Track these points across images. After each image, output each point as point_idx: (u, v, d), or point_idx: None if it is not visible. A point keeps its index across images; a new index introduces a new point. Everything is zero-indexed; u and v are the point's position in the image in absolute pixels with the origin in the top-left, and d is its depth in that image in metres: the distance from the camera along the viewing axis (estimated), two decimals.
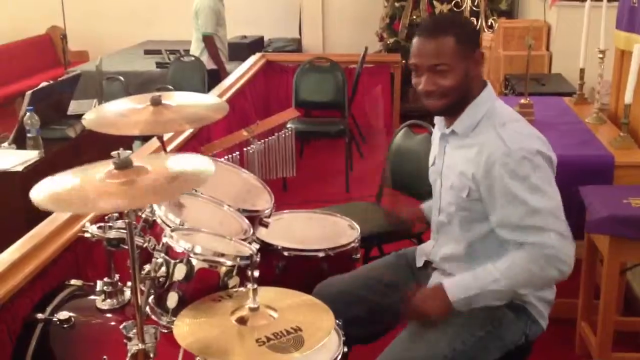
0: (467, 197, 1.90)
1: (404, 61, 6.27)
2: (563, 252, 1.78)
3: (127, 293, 2.02)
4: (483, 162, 1.84)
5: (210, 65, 5.80)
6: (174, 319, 1.67)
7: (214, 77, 5.69)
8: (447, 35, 1.84)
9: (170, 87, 5.10)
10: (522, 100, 3.42)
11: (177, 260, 1.78)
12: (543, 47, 5.23)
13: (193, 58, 5.83)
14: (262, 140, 3.92)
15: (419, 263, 2.15)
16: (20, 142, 3.54)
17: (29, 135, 3.47)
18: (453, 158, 1.98)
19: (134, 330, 1.63)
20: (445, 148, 2.02)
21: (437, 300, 1.85)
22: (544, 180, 1.81)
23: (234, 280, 1.79)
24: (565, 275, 1.81)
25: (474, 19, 4.63)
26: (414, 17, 6.61)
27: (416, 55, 1.89)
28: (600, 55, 3.33)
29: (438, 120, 2.05)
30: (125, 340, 1.64)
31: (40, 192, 1.44)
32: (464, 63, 1.86)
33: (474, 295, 1.83)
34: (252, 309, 1.59)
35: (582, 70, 3.60)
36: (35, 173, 3.19)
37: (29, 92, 3.62)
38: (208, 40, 5.73)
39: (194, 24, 5.83)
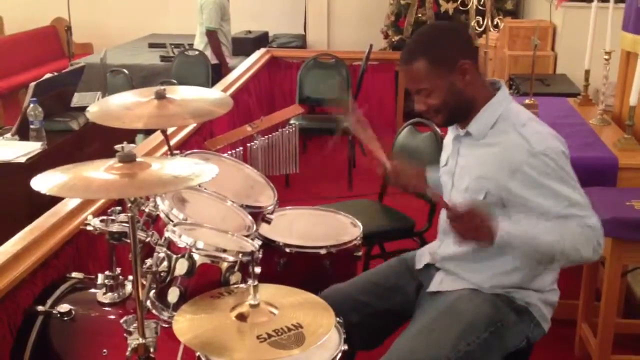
0: (483, 199, 1.88)
1: None
2: (601, 236, 1.81)
3: (128, 287, 2.02)
4: (507, 163, 1.83)
5: (214, 59, 5.80)
6: (175, 314, 1.66)
7: (218, 72, 5.69)
8: (418, 60, 1.87)
9: (174, 81, 5.10)
10: (527, 101, 3.41)
11: (179, 255, 1.78)
12: (548, 47, 5.21)
13: (197, 52, 5.83)
14: (266, 136, 3.92)
15: (419, 265, 2.13)
16: (23, 134, 3.54)
17: (32, 126, 3.47)
18: (468, 159, 1.96)
19: (135, 325, 1.63)
20: (459, 149, 2.00)
21: (484, 226, 1.75)
22: (572, 177, 1.83)
23: (235, 276, 1.79)
24: (595, 259, 1.83)
25: (479, 18, 4.60)
26: (420, 15, 6.60)
27: (404, 81, 1.96)
28: (606, 57, 3.31)
29: None
30: (125, 334, 1.65)
31: (43, 178, 1.48)
32: (446, 80, 1.87)
33: (517, 236, 1.76)
34: (253, 306, 1.59)
35: (587, 72, 3.59)
36: (38, 165, 3.18)
37: (32, 84, 3.62)
38: (211, 35, 5.73)
39: (199, 18, 5.83)
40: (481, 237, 1.77)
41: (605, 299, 2.54)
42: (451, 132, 2.05)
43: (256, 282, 1.61)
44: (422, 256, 2.15)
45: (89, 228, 1.99)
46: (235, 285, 1.77)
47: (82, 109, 3.38)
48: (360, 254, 2.44)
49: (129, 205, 1.61)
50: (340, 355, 1.74)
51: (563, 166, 1.81)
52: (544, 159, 1.79)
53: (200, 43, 5.91)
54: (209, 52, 5.80)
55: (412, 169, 2.13)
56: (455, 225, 1.78)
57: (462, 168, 1.98)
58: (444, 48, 1.89)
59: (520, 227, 1.79)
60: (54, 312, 1.91)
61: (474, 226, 1.76)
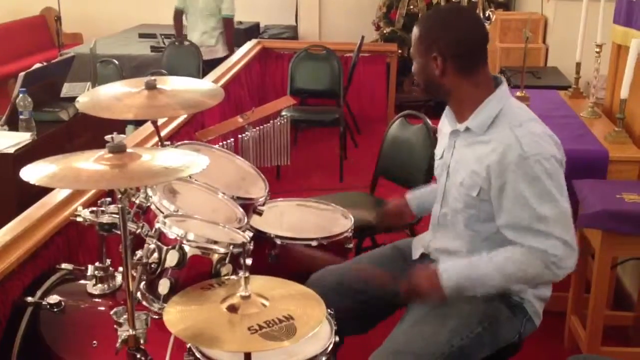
0: (477, 196, 1.88)
1: (400, 51, 6.25)
2: (565, 261, 1.78)
3: (119, 278, 2.01)
4: (498, 162, 1.81)
5: (221, 52, 5.68)
6: (166, 305, 1.66)
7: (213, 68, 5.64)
8: (417, 27, 1.94)
9: (165, 71, 5.07)
10: (518, 93, 3.42)
11: (170, 247, 1.77)
12: (539, 40, 5.23)
13: (188, 43, 5.78)
14: (257, 128, 3.91)
15: (415, 255, 2.13)
16: (12, 124, 3.51)
17: (21, 117, 3.45)
18: (463, 154, 1.94)
19: (125, 316, 1.62)
20: (455, 143, 1.98)
21: (430, 284, 1.86)
22: (556, 187, 1.80)
23: (226, 268, 1.78)
24: (559, 279, 1.83)
25: None
26: (411, 6, 6.59)
27: None
28: (597, 50, 3.32)
29: (448, 113, 2.02)
30: (115, 326, 1.64)
31: (32, 169, 1.47)
32: (422, 59, 1.91)
33: (465, 285, 1.85)
34: (244, 297, 1.59)
35: (578, 64, 3.60)
36: (27, 155, 3.16)
37: (22, 74, 3.59)
38: (230, 23, 5.61)
39: (206, 11, 5.69)
40: (431, 296, 1.88)
41: (595, 291, 2.55)
42: (449, 125, 2.03)
43: (247, 274, 1.60)
44: (417, 247, 2.15)
45: (78, 219, 1.98)
46: (226, 277, 1.77)
47: (72, 99, 3.37)
48: (351, 246, 2.44)
49: (119, 196, 1.61)
50: (331, 346, 1.74)
51: (550, 173, 1.78)
52: (531, 164, 1.77)
53: (210, 38, 5.72)
54: (220, 45, 5.67)
55: (395, 206, 2.30)
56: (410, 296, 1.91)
57: (457, 162, 1.97)
58: (436, 31, 1.89)
59: (466, 274, 1.85)
60: (43, 303, 1.90)
61: (423, 292, 1.87)
